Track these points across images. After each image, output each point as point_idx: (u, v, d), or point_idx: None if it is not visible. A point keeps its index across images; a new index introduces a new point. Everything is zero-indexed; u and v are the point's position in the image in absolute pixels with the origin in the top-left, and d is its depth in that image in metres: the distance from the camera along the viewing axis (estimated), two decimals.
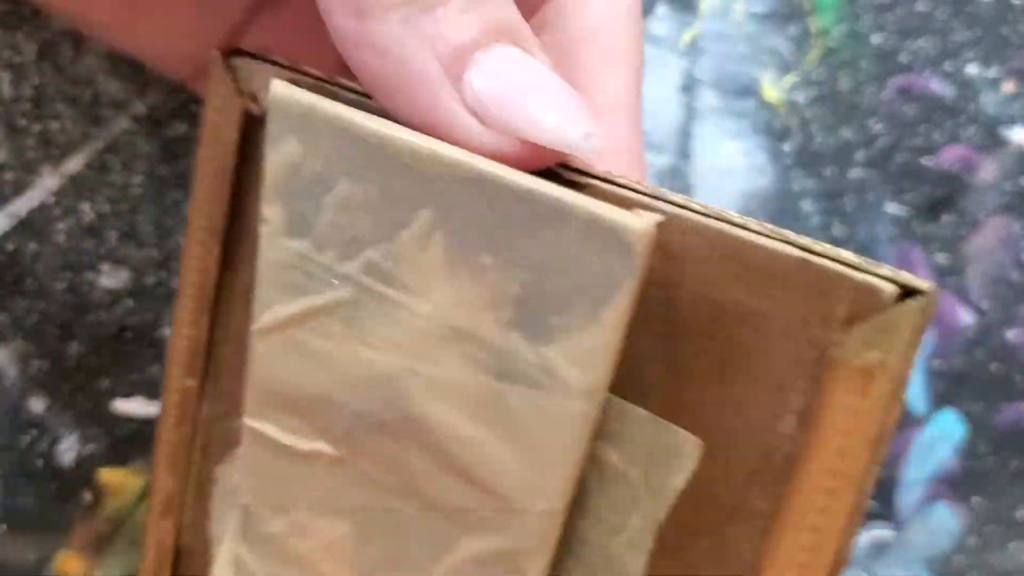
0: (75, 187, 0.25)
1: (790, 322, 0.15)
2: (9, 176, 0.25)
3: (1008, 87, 0.29)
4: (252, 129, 0.18)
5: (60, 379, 0.26)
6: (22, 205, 0.25)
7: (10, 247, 0.25)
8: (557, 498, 0.16)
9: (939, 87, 0.29)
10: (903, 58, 0.29)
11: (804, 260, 0.14)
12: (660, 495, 0.16)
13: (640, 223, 0.14)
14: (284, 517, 0.18)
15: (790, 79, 0.29)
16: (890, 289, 0.14)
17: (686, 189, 0.28)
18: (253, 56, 0.18)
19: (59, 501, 0.26)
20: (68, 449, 0.26)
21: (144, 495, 0.27)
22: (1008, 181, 0.29)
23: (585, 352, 0.15)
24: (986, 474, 0.29)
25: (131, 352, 0.26)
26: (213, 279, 0.19)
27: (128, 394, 0.26)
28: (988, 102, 0.29)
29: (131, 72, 0.25)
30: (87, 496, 0.26)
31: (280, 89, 0.16)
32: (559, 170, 0.16)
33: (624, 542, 0.16)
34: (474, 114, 0.15)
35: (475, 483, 0.16)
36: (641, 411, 0.16)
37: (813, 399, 0.15)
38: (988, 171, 0.29)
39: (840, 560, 0.15)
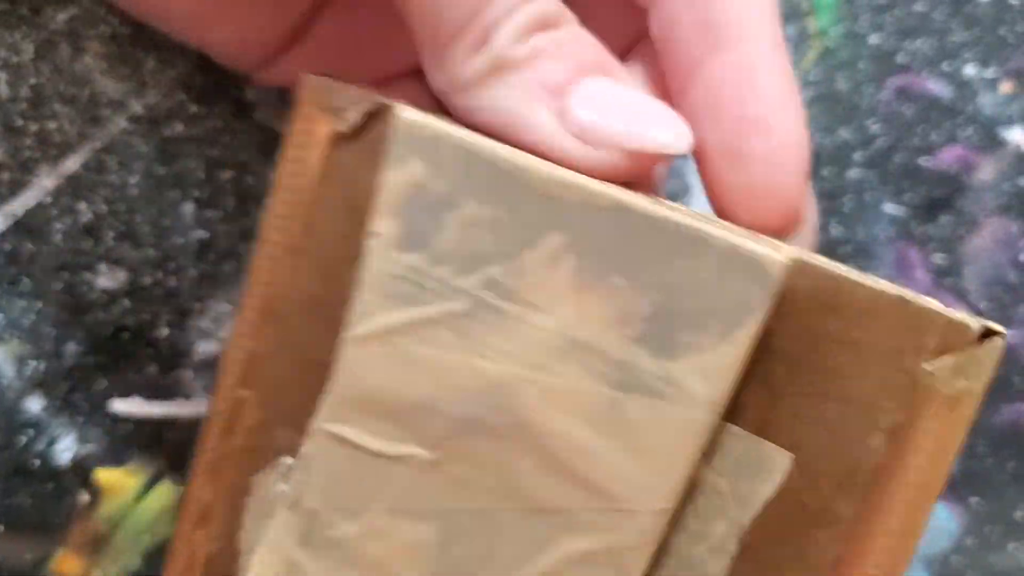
0: (72, 187, 0.26)
1: (884, 351, 0.17)
2: (6, 176, 0.25)
3: (1006, 87, 0.29)
4: (330, 149, 0.19)
5: (57, 379, 0.26)
6: (19, 205, 0.25)
7: (7, 247, 0.25)
8: (670, 499, 0.17)
9: (937, 87, 0.29)
10: (901, 58, 0.29)
11: (902, 297, 0.16)
12: (747, 504, 0.18)
13: (780, 255, 0.16)
14: (357, 521, 0.18)
15: None
16: (977, 326, 0.16)
17: (685, 189, 0.28)
18: (339, 81, 0.19)
19: (56, 501, 0.26)
20: (65, 449, 0.26)
21: (141, 495, 0.27)
22: (1006, 182, 0.29)
23: (713, 368, 0.16)
24: (984, 475, 0.29)
25: (128, 352, 0.26)
26: (281, 293, 0.19)
27: (125, 394, 0.26)
28: (986, 103, 0.29)
29: (129, 72, 0.25)
30: (84, 496, 0.26)
31: (407, 114, 0.17)
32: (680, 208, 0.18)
33: (707, 548, 0.18)
34: (578, 138, 0.18)
35: (585, 485, 0.17)
36: (734, 427, 0.17)
37: (902, 419, 0.17)
38: (986, 171, 0.29)
39: (909, 560, 0.17)
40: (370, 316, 0.18)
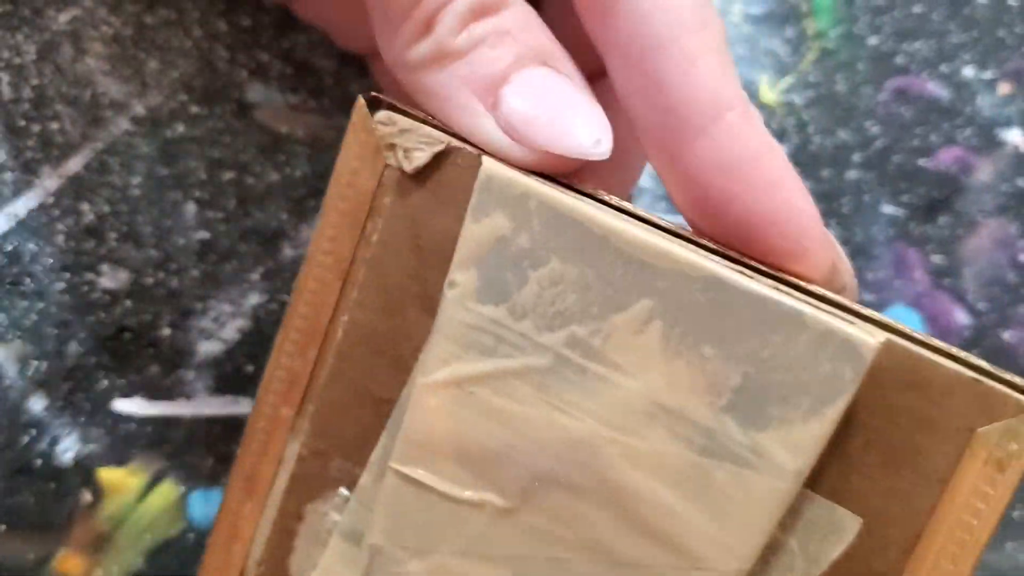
0: (74, 188, 0.26)
1: (957, 428, 0.17)
2: (8, 177, 0.25)
3: (1004, 89, 0.29)
4: (385, 178, 0.19)
5: (59, 379, 0.26)
6: (21, 206, 0.25)
7: (9, 247, 0.25)
8: (749, 561, 0.18)
9: (936, 89, 0.29)
10: (900, 60, 0.29)
11: (976, 380, 0.17)
12: (815, 564, 0.18)
13: (874, 340, 0.17)
14: (424, 559, 0.19)
15: (787, 81, 0.29)
16: None
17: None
18: (402, 111, 0.19)
19: (58, 501, 0.26)
20: (67, 449, 0.26)
21: (143, 495, 0.27)
22: (1004, 182, 0.29)
23: (801, 441, 0.17)
24: None
25: (130, 352, 0.26)
26: (327, 316, 0.20)
27: (127, 394, 0.26)
28: (984, 104, 0.29)
29: (130, 73, 0.26)
30: (86, 496, 0.27)
31: (493, 168, 0.17)
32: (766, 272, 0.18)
33: None
34: (507, 133, 0.18)
35: (666, 543, 0.18)
36: (806, 491, 0.18)
37: (957, 480, 0.17)
38: (984, 172, 0.29)
39: None
40: (446, 363, 0.18)
